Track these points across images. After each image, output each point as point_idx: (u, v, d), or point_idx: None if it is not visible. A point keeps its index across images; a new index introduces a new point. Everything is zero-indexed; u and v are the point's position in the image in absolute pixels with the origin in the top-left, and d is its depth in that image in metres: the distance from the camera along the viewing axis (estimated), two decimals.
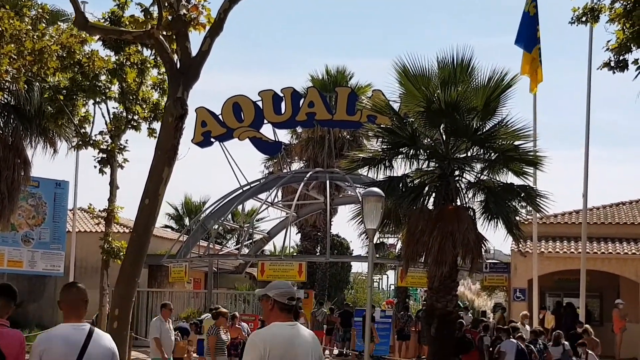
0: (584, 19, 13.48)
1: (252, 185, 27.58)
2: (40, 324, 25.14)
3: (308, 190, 29.33)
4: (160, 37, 9.99)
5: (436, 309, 15.23)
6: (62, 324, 5.30)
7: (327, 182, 26.66)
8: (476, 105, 15.32)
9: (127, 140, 17.80)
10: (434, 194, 15.72)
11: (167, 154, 9.66)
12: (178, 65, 9.90)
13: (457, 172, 15.86)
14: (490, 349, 16.75)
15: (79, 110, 17.69)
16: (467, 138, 15.55)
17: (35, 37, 14.06)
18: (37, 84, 17.04)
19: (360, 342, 21.19)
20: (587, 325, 18.82)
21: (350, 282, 45.05)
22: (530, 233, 21.40)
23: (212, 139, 26.67)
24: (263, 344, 4.91)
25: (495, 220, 15.30)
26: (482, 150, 15.78)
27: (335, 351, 24.62)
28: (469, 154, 15.91)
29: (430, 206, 15.61)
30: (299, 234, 37.53)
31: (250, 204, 33.27)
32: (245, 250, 29.53)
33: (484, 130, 15.64)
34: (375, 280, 50.78)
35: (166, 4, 9.90)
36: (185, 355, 18.37)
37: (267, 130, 26.73)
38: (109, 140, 17.56)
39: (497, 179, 15.73)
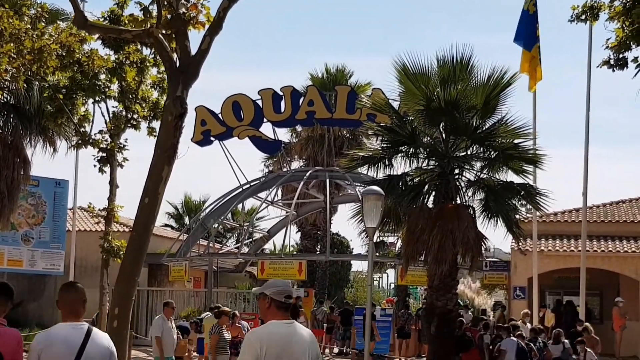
0: (583, 17, 13.48)
1: (252, 184, 27.58)
2: (41, 323, 25.15)
3: (308, 188, 29.33)
4: (160, 35, 9.99)
5: (436, 307, 15.23)
6: (61, 323, 5.30)
7: (327, 180, 26.66)
8: (476, 104, 15.31)
9: (126, 139, 17.79)
10: (433, 193, 15.71)
11: (166, 153, 9.66)
12: (177, 64, 9.90)
13: (456, 171, 15.85)
14: (490, 347, 16.76)
15: (78, 109, 17.68)
16: (466, 136, 15.54)
17: (34, 36, 14.05)
18: (37, 83, 17.02)
19: (361, 340, 21.20)
20: (587, 324, 18.83)
21: (350, 281, 45.08)
22: (530, 231, 21.41)
23: (212, 138, 26.68)
24: (259, 343, 4.91)
25: (495, 218, 15.30)
26: (481, 149, 15.77)
27: (336, 350, 24.63)
28: (469, 153, 15.91)
29: (430, 204, 15.60)
30: (299, 233, 37.57)
31: (250, 203, 33.34)
32: (245, 249, 29.55)
33: (484, 128, 15.63)
34: (375, 278, 50.83)
35: (165, 3, 9.90)
36: (186, 354, 18.38)
37: (266, 129, 26.77)
38: (109, 139, 17.55)
39: (497, 177, 15.72)
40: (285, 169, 30.76)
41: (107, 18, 15.98)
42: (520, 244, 21.74)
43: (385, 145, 16.20)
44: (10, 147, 17.73)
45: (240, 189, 27.33)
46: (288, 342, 4.97)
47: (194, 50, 9.86)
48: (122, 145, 17.62)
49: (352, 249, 42.15)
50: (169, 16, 9.91)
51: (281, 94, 26.26)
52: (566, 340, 16.29)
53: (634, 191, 51.74)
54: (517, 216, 15.89)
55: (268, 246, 36.37)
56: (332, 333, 24.94)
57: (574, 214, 27.39)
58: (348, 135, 32.33)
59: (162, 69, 16.29)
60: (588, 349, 16.17)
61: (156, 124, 17.10)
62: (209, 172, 78.99)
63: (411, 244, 15.04)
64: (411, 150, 15.85)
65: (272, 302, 5.10)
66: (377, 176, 16.01)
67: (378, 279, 53.88)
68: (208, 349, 14.77)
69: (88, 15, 11.21)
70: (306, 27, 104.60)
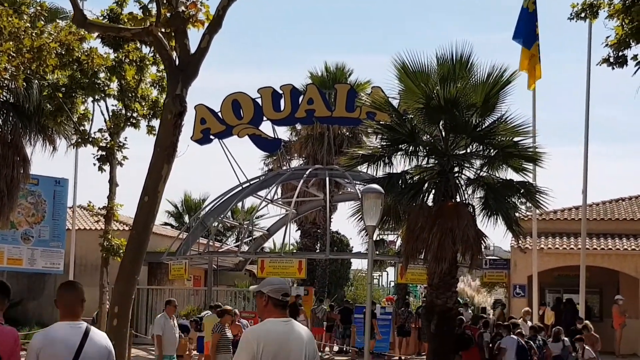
0: (583, 15, 13.49)
1: (251, 182, 27.57)
2: (40, 322, 25.15)
3: (308, 187, 29.32)
4: (159, 34, 9.99)
5: (436, 305, 15.23)
6: (59, 322, 5.30)
7: (327, 179, 26.65)
8: (475, 102, 15.30)
9: (126, 137, 17.83)
10: (433, 191, 15.70)
11: (166, 151, 9.66)
12: (177, 63, 9.90)
13: (456, 169, 15.85)
14: (490, 345, 16.76)
15: (78, 108, 17.69)
16: (466, 134, 15.53)
17: (33, 34, 14.05)
18: (36, 81, 17.02)
19: (361, 338, 21.21)
20: (586, 321, 18.84)
21: (350, 279, 45.08)
22: (529, 229, 21.41)
23: (212, 136, 26.66)
24: (257, 341, 4.91)
25: (495, 216, 15.29)
26: (481, 147, 15.76)
27: (335, 348, 24.64)
28: (469, 151, 15.90)
29: (429, 203, 15.59)
30: (299, 231, 37.56)
31: (249, 201, 33.33)
32: (245, 248, 29.53)
33: (484, 126, 15.62)
34: (375, 277, 50.81)
35: (164, 1, 9.90)
36: (187, 353, 18.40)
37: (266, 127, 26.74)
38: (108, 138, 17.56)
39: (497, 175, 15.71)
40: (285, 168, 30.75)
41: (107, 16, 15.99)
42: (520, 242, 21.76)
43: (384, 143, 16.19)
44: (9, 146, 17.74)
45: (240, 188, 27.31)
46: (285, 340, 4.97)
47: (193, 48, 9.86)
48: (121, 144, 17.63)
49: (352, 247, 42.16)
50: (168, 14, 9.90)
51: (281, 92, 26.24)
52: (566, 338, 16.30)
53: (634, 189, 51.70)
54: (516, 214, 15.89)
55: (268, 244, 36.41)
56: (332, 331, 24.95)
57: (573, 211, 27.39)
58: (348, 133, 32.32)
59: (162, 67, 16.30)
60: (586, 347, 16.18)
61: (156, 123, 17.11)
62: (209, 170, 79.08)
63: (411, 242, 15.04)
64: (411, 148, 15.84)
65: (270, 300, 5.10)
66: (376, 174, 16.00)
67: (378, 277, 53.89)
68: (210, 347, 14.76)
69: (87, 14, 11.21)
70: (306, 25, 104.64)
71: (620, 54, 12.72)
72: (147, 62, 17.29)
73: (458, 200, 15.49)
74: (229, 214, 31.58)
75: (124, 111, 17.58)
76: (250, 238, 31.21)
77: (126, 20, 14.12)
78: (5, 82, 16.06)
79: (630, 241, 25.54)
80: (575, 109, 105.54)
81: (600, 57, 13.19)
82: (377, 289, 48.43)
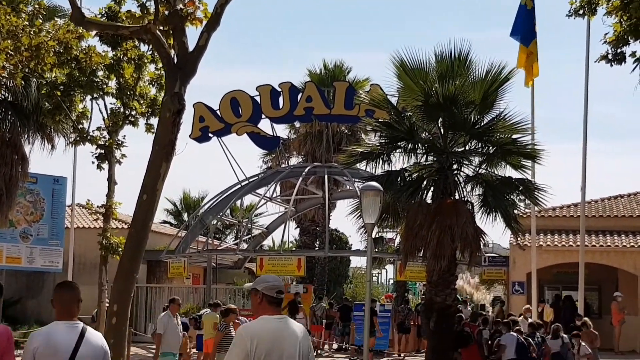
0: (581, 11, 13.48)
1: (250, 180, 27.59)
2: (39, 320, 25.14)
3: (306, 185, 29.34)
4: (157, 32, 9.98)
5: (435, 302, 15.24)
6: (55, 322, 5.31)
7: (326, 176, 26.67)
8: (474, 99, 15.30)
9: (124, 135, 17.82)
10: (432, 188, 15.70)
11: (164, 149, 9.66)
12: (175, 61, 9.89)
13: (455, 166, 15.85)
14: (489, 342, 16.77)
15: (76, 106, 17.68)
16: (465, 132, 15.53)
17: (32, 33, 14.03)
18: (34, 80, 17.00)
19: (360, 336, 21.21)
20: (585, 318, 18.84)
21: (349, 277, 45.11)
22: (528, 226, 21.41)
23: (210, 134, 26.67)
24: (250, 338, 4.92)
25: (494, 213, 15.29)
26: (480, 144, 15.76)
27: (335, 345, 24.65)
28: (467, 148, 15.90)
29: (428, 200, 15.59)
30: (298, 229, 37.56)
31: (248, 199, 33.32)
32: (244, 246, 29.53)
33: (482, 123, 15.62)
34: (374, 274, 50.86)
35: None
36: (187, 351, 18.40)
37: (265, 125, 26.77)
38: (107, 136, 17.56)
39: (496, 172, 15.71)
40: (283, 165, 30.77)
41: (105, 14, 15.97)
42: (518, 239, 21.76)
43: (383, 140, 16.19)
44: (8, 145, 17.71)
45: (239, 186, 27.34)
46: (279, 337, 4.98)
47: (191, 46, 9.86)
48: (120, 142, 17.63)
49: (351, 244, 42.17)
50: (166, 12, 9.90)
51: (279, 90, 26.25)
52: (565, 335, 16.30)
53: (632, 186, 51.83)
54: (515, 211, 15.89)
55: (267, 242, 36.43)
56: (331, 329, 24.96)
57: (572, 208, 27.40)
58: (346, 131, 32.32)
59: (160, 65, 16.28)
60: (582, 343, 16.19)
61: (154, 121, 17.11)
62: (208, 168, 79.05)
63: (410, 240, 15.04)
64: (409, 145, 15.84)
65: (264, 298, 5.11)
66: (375, 172, 15.99)
67: (377, 274, 53.93)
68: (213, 345, 14.76)
69: (85, 12, 11.20)
70: (304, 23, 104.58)
71: (619, 50, 12.71)
72: (146, 60, 17.28)
73: (457, 197, 15.49)
74: (228, 211, 31.56)
75: (122, 109, 17.58)
76: (249, 236, 31.21)
77: (124, 18, 14.07)
78: (4, 80, 16.03)
79: (629, 238, 25.55)
80: (573, 106, 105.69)
81: (599, 54, 13.20)
82: (376, 287, 48.45)
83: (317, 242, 36.33)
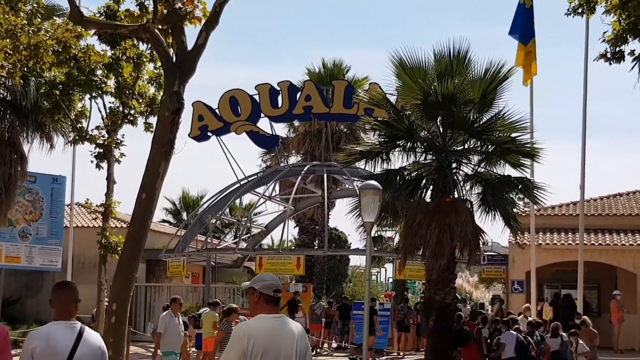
0: (580, 10, 13.47)
1: (249, 179, 27.59)
2: (39, 320, 25.15)
3: (305, 183, 29.33)
4: (156, 31, 9.97)
5: (434, 301, 15.24)
6: (53, 322, 5.32)
7: (325, 175, 26.67)
8: (473, 98, 15.30)
9: (123, 135, 17.84)
10: (431, 187, 15.71)
11: (163, 148, 9.65)
12: (174, 59, 9.88)
13: (454, 165, 15.85)
14: (489, 340, 16.78)
15: (75, 105, 17.68)
16: (464, 130, 15.53)
17: (30, 32, 14.04)
18: (33, 79, 17.00)
19: (359, 335, 21.22)
20: (585, 317, 18.85)
21: (348, 276, 45.14)
22: (527, 225, 21.42)
23: (209, 133, 26.67)
24: (247, 336, 4.92)
25: (493, 212, 15.30)
26: (479, 143, 15.76)
27: (334, 344, 24.66)
28: (466, 146, 15.90)
29: (427, 199, 15.59)
30: (297, 228, 37.58)
31: (247, 198, 33.34)
32: (243, 244, 29.56)
33: (481, 122, 15.62)
34: (373, 273, 50.86)
35: None
36: (187, 350, 18.40)
37: (264, 124, 26.76)
38: (106, 135, 17.57)
39: (495, 171, 15.72)
40: (282, 164, 30.76)
41: (103, 13, 15.97)
42: (518, 237, 21.76)
43: (382, 139, 16.19)
44: (7, 144, 17.70)
45: (238, 184, 27.33)
46: (276, 336, 4.98)
47: (190, 45, 9.85)
48: (119, 141, 17.64)
49: (350, 243, 42.20)
50: (165, 11, 9.89)
51: (278, 89, 26.24)
52: (564, 334, 16.30)
53: (631, 184, 51.85)
54: (514, 210, 15.90)
55: (266, 241, 36.42)
56: (330, 328, 24.97)
57: (571, 207, 27.42)
58: (345, 130, 32.32)
59: (159, 64, 16.28)
60: (580, 341, 16.19)
61: (153, 120, 17.13)
62: (207, 167, 79.00)
63: (409, 239, 15.04)
64: (408, 144, 15.85)
65: (261, 296, 5.12)
66: (374, 171, 16.00)
67: (376, 273, 53.93)
68: (214, 344, 14.76)
69: (84, 11, 11.20)
70: (303, 22, 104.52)
71: (618, 49, 12.72)
72: (144, 59, 17.28)
73: (456, 196, 15.49)
74: (227, 210, 31.59)
75: (121, 108, 17.59)
76: (249, 235, 31.22)
77: (123, 17, 14.07)
78: (2, 79, 16.04)
79: (628, 236, 25.57)
80: (572, 105, 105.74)
81: (598, 52, 13.20)
82: (376, 286, 48.48)
83: (316, 241, 36.34)
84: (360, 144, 19.13)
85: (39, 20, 15.07)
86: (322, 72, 33.98)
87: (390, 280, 51.28)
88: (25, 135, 18.34)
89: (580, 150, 21.38)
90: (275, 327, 5.02)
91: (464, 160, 15.89)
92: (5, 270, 22.68)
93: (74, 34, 15.42)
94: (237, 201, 29.71)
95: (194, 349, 19.22)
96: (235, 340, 4.95)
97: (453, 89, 15.11)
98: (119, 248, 16.21)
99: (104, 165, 17.47)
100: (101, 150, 17.41)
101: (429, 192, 15.72)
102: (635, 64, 12.42)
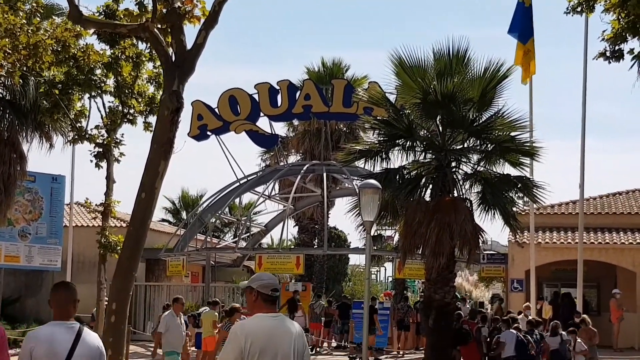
0: (579, 8, 13.45)
1: (249, 178, 27.60)
2: (38, 319, 25.15)
3: (305, 182, 29.35)
4: (155, 30, 9.96)
5: (434, 300, 15.25)
6: (52, 322, 5.34)
7: (324, 174, 26.68)
8: (472, 97, 15.30)
9: (123, 134, 17.81)
10: (430, 186, 15.71)
11: (163, 148, 9.64)
12: (173, 59, 9.86)
13: (453, 164, 15.85)
14: (488, 339, 16.78)
15: (74, 105, 17.66)
16: (463, 129, 15.53)
17: (29, 31, 14.03)
18: (32, 78, 16.99)
19: (359, 334, 21.23)
20: (584, 315, 18.85)
21: (347, 275, 45.20)
22: (527, 224, 21.43)
23: (209, 132, 26.67)
24: (245, 336, 4.93)
25: (492, 211, 15.30)
26: (478, 142, 15.76)
27: (334, 343, 24.67)
28: (466, 145, 15.90)
29: (427, 198, 15.59)
30: (297, 227, 37.62)
31: (247, 197, 33.37)
32: (243, 244, 29.59)
33: (481, 121, 15.62)
34: (372, 272, 50.87)
35: None
36: (187, 350, 18.38)
37: (263, 123, 26.77)
38: (105, 135, 17.55)
39: (494, 170, 15.72)
40: (282, 163, 30.77)
41: (103, 12, 15.94)
42: (517, 236, 21.78)
43: (382, 138, 16.19)
44: (6, 143, 17.70)
45: (238, 184, 27.34)
46: (273, 335, 4.99)
47: (189, 44, 9.83)
48: (118, 141, 17.62)
49: (350, 242, 42.26)
50: (164, 10, 9.88)
51: (278, 88, 26.24)
52: (564, 332, 16.31)
53: (631, 183, 51.88)
54: (514, 209, 15.90)
55: (265, 240, 36.44)
56: (330, 327, 24.98)
57: (570, 206, 27.43)
58: (345, 129, 32.34)
59: (158, 63, 16.27)
60: (578, 339, 16.20)
61: (152, 119, 17.11)
62: (206, 166, 79.03)
63: (408, 237, 15.04)
64: (408, 143, 15.84)
65: (259, 296, 5.13)
66: (374, 170, 16.00)
67: (376, 272, 53.93)
68: (216, 344, 14.75)
69: (83, 10, 11.18)
70: (303, 21, 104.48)
71: (617, 48, 12.71)
72: (144, 59, 17.26)
73: (455, 195, 15.49)
74: (227, 210, 31.60)
75: (120, 108, 17.57)
76: (248, 234, 31.24)
77: (122, 17, 14.06)
78: (2, 79, 16.03)
79: (628, 235, 25.58)
80: (571, 104, 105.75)
81: (597, 51, 13.19)
82: (375, 284, 48.48)
83: (316, 240, 36.36)
84: (360, 143, 19.15)
85: (38, 19, 15.06)
86: (321, 71, 33.99)
87: (390, 279, 51.29)
88: (24, 135, 18.34)
89: (580, 149, 21.40)
90: (273, 326, 5.03)
91: (463, 159, 15.89)
92: (5, 270, 22.69)
93: (73, 33, 15.40)
94: (237, 200, 29.72)
95: (193, 348, 19.22)
96: (233, 339, 4.96)
97: (452, 88, 15.11)
98: (119, 247, 16.20)
99: (104, 164, 17.45)
100: (100, 150, 17.39)
101: (429, 191, 15.72)
102: (635, 62, 12.41)
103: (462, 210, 14.84)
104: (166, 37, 10.06)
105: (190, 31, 10.01)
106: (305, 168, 27.02)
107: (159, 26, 10.02)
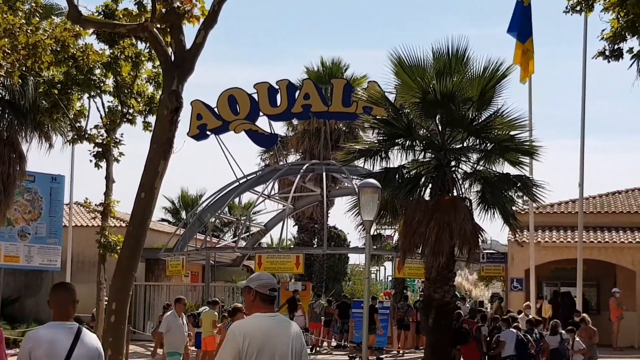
0: (578, 8, 13.44)
1: (248, 178, 27.59)
2: (38, 319, 25.14)
3: (304, 182, 29.34)
4: (154, 30, 9.95)
5: (434, 299, 15.25)
6: (51, 322, 5.35)
7: (324, 174, 26.67)
8: (472, 96, 15.30)
9: (122, 134, 17.80)
10: (430, 185, 15.71)
11: (162, 147, 9.63)
12: (172, 58, 9.86)
13: (453, 163, 15.85)
14: (488, 338, 16.78)
15: (73, 104, 17.65)
16: (462, 128, 15.54)
17: (29, 31, 14.01)
18: (32, 78, 16.98)
19: (359, 333, 21.22)
20: (584, 314, 18.86)
21: (347, 274, 45.20)
22: (526, 223, 21.45)
23: (208, 132, 26.66)
24: (242, 335, 4.93)
25: (492, 210, 15.31)
26: (478, 141, 15.77)
27: (334, 343, 24.67)
28: (465, 145, 15.91)
29: (426, 197, 15.59)
30: (296, 226, 37.60)
31: (246, 197, 33.36)
32: (243, 243, 29.58)
33: (480, 120, 15.62)
34: (372, 271, 50.88)
35: None
36: (187, 350, 18.37)
37: (262, 122, 26.76)
38: (104, 134, 17.55)
39: (493, 169, 15.73)
40: (281, 163, 30.78)
41: (102, 12, 15.94)
42: (517, 235, 21.80)
43: (381, 138, 16.20)
44: (5, 143, 17.69)
45: (237, 183, 27.33)
46: (271, 335, 5.00)
47: (189, 44, 9.83)
48: (117, 140, 17.61)
49: (349, 242, 42.24)
50: (163, 10, 9.87)
51: (277, 87, 26.24)
52: (563, 331, 16.31)
53: (630, 182, 51.81)
54: (513, 208, 15.91)
55: (265, 240, 36.44)
56: (330, 326, 24.98)
57: (570, 205, 27.43)
58: (344, 128, 32.34)
59: (157, 63, 16.25)
60: (577, 338, 16.20)
61: (152, 119, 17.11)
62: (206, 166, 79.02)
63: (408, 237, 15.05)
64: (407, 142, 15.85)
65: (257, 295, 5.14)
66: (373, 169, 16.01)
67: (375, 271, 53.97)
68: (219, 344, 14.73)
69: (82, 10, 11.18)
70: (302, 21, 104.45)
71: (616, 47, 12.69)
72: (143, 58, 17.25)
73: (455, 194, 15.50)
74: (226, 209, 31.62)
75: (119, 107, 17.56)
76: (248, 234, 31.23)
77: (121, 16, 14.06)
78: (1, 79, 16.02)
79: (627, 234, 25.59)
80: (571, 103, 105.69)
81: (596, 50, 13.18)
82: (375, 284, 48.52)
83: (316, 240, 36.35)
84: (359, 142, 19.16)
85: (37, 19, 15.04)
86: (320, 70, 33.99)
87: (390, 278, 51.32)
88: (23, 135, 18.33)
89: (579, 148, 21.41)
90: (271, 326, 5.03)
91: (462, 158, 15.89)
92: (5, 270, 22.69)
93: (72, 33, 15.39)
94: (236, 200, 29.72)
95: (193, 348, 19.22)
96: (231, 339, 4.97)
97: (452, 87, 15.11)
98: (118, 247, 16.19)
99: (103, 164, 17.45)
100: (100, 150, 17.39)
101: (428, 190, 15.73)
102: (634, 61, 12.40)
103: (461, 210, 14.84)
104: (165, 37, 10.05)
105: (190, 31, 10.01)
106: (304, 167, 27.02)
107: (158, 26, 10.01)
